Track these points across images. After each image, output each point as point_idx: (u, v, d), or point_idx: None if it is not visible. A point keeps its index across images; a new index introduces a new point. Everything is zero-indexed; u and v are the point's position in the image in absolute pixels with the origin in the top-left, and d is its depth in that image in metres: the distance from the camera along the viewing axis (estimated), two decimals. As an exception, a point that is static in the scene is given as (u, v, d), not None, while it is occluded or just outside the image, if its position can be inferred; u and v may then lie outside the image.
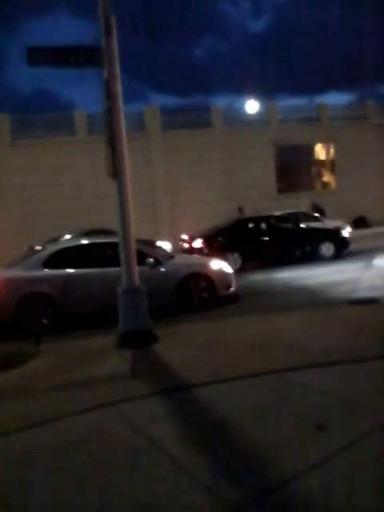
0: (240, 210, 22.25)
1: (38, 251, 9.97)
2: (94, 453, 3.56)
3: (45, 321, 8.52)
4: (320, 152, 30.18)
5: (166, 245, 17.00)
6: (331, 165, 29.83)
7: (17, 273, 8.89)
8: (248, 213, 16.77)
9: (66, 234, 15.50)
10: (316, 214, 19.83)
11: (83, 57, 6.73)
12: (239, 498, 2.84)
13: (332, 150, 29.60)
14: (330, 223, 18.43)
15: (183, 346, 6.25)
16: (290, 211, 18.27)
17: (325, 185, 30.50)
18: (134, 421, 4.04)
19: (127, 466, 3.31)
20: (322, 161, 30.29)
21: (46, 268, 8.85)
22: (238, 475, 3.09)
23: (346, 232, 16.83)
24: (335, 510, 2.69)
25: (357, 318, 6.84)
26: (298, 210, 19.26)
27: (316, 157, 30.17)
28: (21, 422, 4.19)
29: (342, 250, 15.28)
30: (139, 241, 11.95)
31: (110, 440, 3.74)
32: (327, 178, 30.50)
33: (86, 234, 13.80)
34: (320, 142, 29.50)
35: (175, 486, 3.01)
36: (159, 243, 16.51)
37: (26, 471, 3.38)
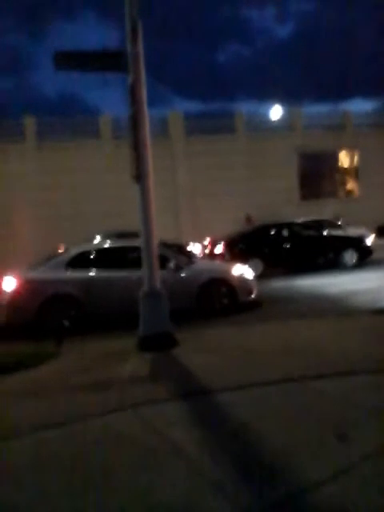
0: (248, 219, 22.05)
1: (61, 253, 10.08)
2: (113, 455, 3.55)
3: (67, 322, 8.60)
4: (344, 159, 29.94)
5: (195, 249, 17.04)
6: (355, 172, 29.56)
7: (40, 274, 8.99)
8: (267, 220, 16.64)
9: (96, 235, 15.65)
10: (339, 222, 19.65)
11: (109, 62, 6.80)
12: (258, 504, 2.81)
13: (356, 158, 29.34)
14: (353, 231, 18.23)
15: (204, 350, 6.23)
16: (312, 218, 18.15)
17: (348, 192, 30.22)
18: (154, 424, 4.03)
19: (146, 469, 3.30)
20: (346, 168, 30.04)
21: (69, 270, 8.94)
22: (257, 481, 3.05)
23: (370, 240, 16.62)
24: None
25: (379, 328, 6.74)
26: (320, 218, 19.11)
27: (340, 164, 29.94)
28: (40, 423, 4.22)
29: (365, 258, 15.09)
30: (167, 244, 12.03)
31: (129, 443, 3.74)
32: (351, 185, 30.22)
33: (117, 236, 13.91)
34: (344, 149, 29.27)
35: (194, 490, 2.99)
36: (189, 248, 16.55)
37: (44, 472, 3.39)
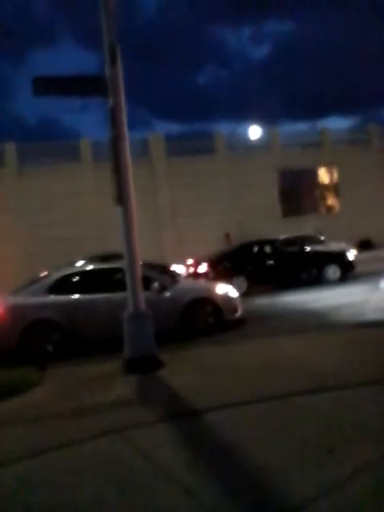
0: (227, 237, 22.19)
1: (42, 277, 9.99)
2: (101, 479, 3.50)
3: (50, 347, 8.49)
4: (323, 176, 30.41)
5: (179, 269, 17.02)
6: (335, 188, 30.02)
7: (22, 299, 8.90)
8: (249, 237, 16.74)
9: (79, 259, 15.53)
10: (321, 238, 19.84)
11: (88, 86, 6.87)
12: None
13: (335, 174, 29.82)
14: (335, 246, 18.42)
15: (190, 371, 6.20)
16: (295, 235, 18.31)
17: (329, 208, 30.62)
18: (142, 447, 3.99)
19: (135, 492, 3.26)
20: (326, 184, 30.50)
21: (51, 294, 8.86)
22: (247, 501, 3.03)
23: (352, 255, 16.81)
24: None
25: (364, 341, 6.79)
26: (302, 234, 19.29)
27: (319, 180, 30.40)
28: (26, 450, 4.15)
29: (348, 273, 15.23)
30: (151, 265, 12.01)
31: (117, 467, 3.69)
32: (331, 201, 30.65)
33: (101, 259, 13.83)
34: (323, 165, 29.75)
35: (183, 513, 2.95)
36: (173, 268, 16.52)
37: (31, 498, 3.33)
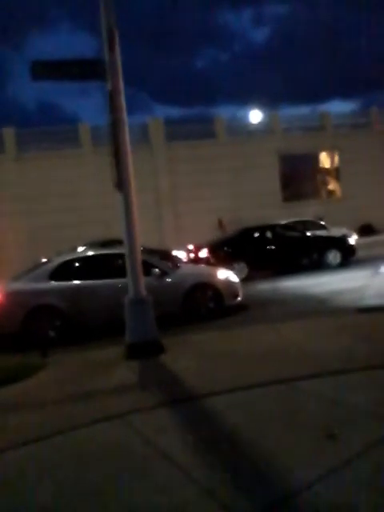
0: (220, 223, 21.97)
1: (44, 263, 9.99)
2: (104, 464, 3.53)
3: (52, 333, 8.52)
4: (324, 160, 30.23)
5: (180, 255, 17.00)
6: (336, 173, 29.84)
7: (23, 285, 8.91)
8: (249, 223, 16.67)
9: (80, 245, 15.53)
10: (322, 222, 19.80)
11: (87, 70, 6.79)
12: (249, 508, 2.81)
13: (336, 158, 29.63)
14: (336, 231, 18.38)
15: (191, 356, 6.23)
16: (295, 219, 18.27)
17: (330, 193, 30.49)
18: (143, 432, 4.01)
19: (137, 477, 3.28)
20: (327, 169, 30.32)
21: (53, 280, 8.87)
22: (249, 486, 3.05)
23: (353, 239, 16.77)
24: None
25: (365, 326, 6.80)
26: (303, 219, 19.25)
27: (321, 165, 30.22)
28: (29, 435, 4.18)
29: (349, 258, 15.23)
30: (151, 251, 12.00)
31: (119, 451, 3.72)
32: (332, 185, 30.50)
33: (102, 245, 13.83)
34: (324, 150, 29.55)
35: (185, 496, 2.98)
36: (173, 253, 16.50)
37: (35, 484, 3.36)
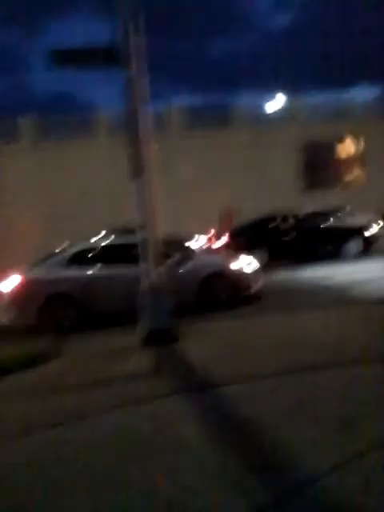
0: (228, 213, 21.37)
1: (59, 252, 10.07)
2: (118, 451, 3.57)
3: (67, 321, 8.61)
4: (349, 147, 29.73)
5: (196, 243, 16.98)
6: (360, 160, 29.35)
7: (40, 273, 9.00)
8: (271, 211, 16.50)
9: (95, 234, 15.56)
10: (346, 210, 19.48)
11: (105, 58, 6.77)
12: (263, 497, 2.81)
13: (361, 145, 29.13)
14: (360, 219, 18.06)
15: (206, 344, 6.24)
16: (318, 208, 18.04)
17: (353, 181, 30.03)
18: (158, 419, 4.05)
19: (151, 465, 3.31)
20: (350, 157, 29.82)
21: (69, 268, 8.94)
22: (262, 475, 3.06)
23: (377, 228, 16.47)
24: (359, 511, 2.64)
25: (381, 318, 6.71)
26: (326, 207, 19.00)
27: (344, 152, 29.73)
28: (44, 421, 4.24)
29: (370, 247, 15.04)
30: (168, 239, 11.99)
31: (133, 438, 3.75)
32: (357, 173, 30.00)
33: (119, 233, 13.85)
34: (348, 137, 29.07)
35: (198, 484, 2.99)
36: (193, 241, 16.48)
37: (50, 470, 3.41)
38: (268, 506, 2.74)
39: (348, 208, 19.89)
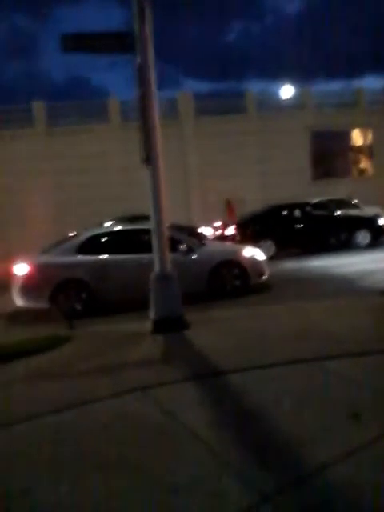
0: (228, 204, 21.14)
1: (71, 238, 10.11)
2: (126, 436, 3.59)
3: (78, 306, 8.66)
4: (357, 138, 29.46)
5: (206, 232, 16.98)
6: (369, 151, 29.09)
7: (51, 259, 9.05)
8: (278, 201, 16.40)
9: (108, 220, 15.62)
10: (354, 201, 19.39)
11: (117, 43, 6.72)
12: (269, 485, 2.83)
13: (370, 136, 28.85)
14: (368, 210, 18.00)
15: (216, 332, 6.25)
16: (326, 198, 17.96)
17: (362, 171, 29.80)
18: (166, 405, 4.06)
19: (157, 450, 3.33)
20: (360, 147, 29.56)
21: (80, 254, 8.98)
22: (269, 462, 3.08)
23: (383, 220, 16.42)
24: (366, 501, 2.65)
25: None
26: (334, 197, 18.90)
27: (353, 142, 29.47)
28: (53, 405, 4.27)
29: (379, 239, 14.96)
30: (178, 227, 12.01)
31: (141, 424, 3.77)
32: (364, 164, 29.77)
33: (130, 220, 13.89)
34: (357, 127, 28.78)
35: (205, 471, 3.01)
36: (201, 230, 16.50)
37: (56, 454, 3.43)
38: (274, 493, 2.76)
39: (355, 200, 19.75)
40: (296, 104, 27.80)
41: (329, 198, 18.33)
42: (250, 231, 14.85)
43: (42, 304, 8.64)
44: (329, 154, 28.28)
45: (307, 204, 16.01)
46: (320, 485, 2.81)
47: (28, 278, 8.67)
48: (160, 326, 6.47)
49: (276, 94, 28.43)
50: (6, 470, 3.30)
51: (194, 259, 9.04)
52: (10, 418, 4.12)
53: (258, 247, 11.00)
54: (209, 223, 18.65)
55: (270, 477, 2.91)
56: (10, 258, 9.60)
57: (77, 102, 25.59)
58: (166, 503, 2.75)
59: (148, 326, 6.59)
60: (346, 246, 14.55)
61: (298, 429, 3.45)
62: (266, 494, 2.74)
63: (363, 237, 14.90)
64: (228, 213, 20.58)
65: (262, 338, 5.75)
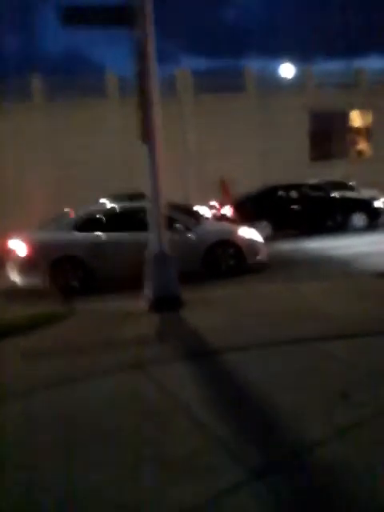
0: (222, 184, 20.96)
1: (68, 215, 10.08)
2: (120, 414, 3.63)
3: (75, 284, 8.67)
4: (356, 119, 29.24)
5: (203, 211, 16.92)
6: (367, 132, 28.92)
7: (48, 236, 9.03)
8: (276, 181, 16.32)
9: (104, 197, 15.51)
10: (351, 183, 19.34)
11: (116, 16, 6.60)
12: (261, 462, 2.88)
13: (369, 117, 28.65)
14: (365, 193, 17.98)
15: (211, 312, 6.29)
16: (324, 179, 17.90)
17: (360, 153, 29.66)
18: (161, 383, 4.10)
19: (152, 427, 3.37)
20: (358, 128, 29.36)
21: (77, 231, 8.95)
22: (262, 440, 3.12)
23: (381, 202, 16.43)
24: (356, 479, 2.71)
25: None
26: (332, 179, 18.84)
27: (352, 124, 29.26)
28: (49, 382, 4.31)
29: (376, 221, 14.98)
30: (175, 206, 11.97)
31: (136, 401, 3.81)
32: (363, 145, 29.61)
33: (127, 198, 13.79)
34: (357, 108, 28.55)
35: (199, 448, 3.06)
36: (196, 209, 16.42)
37: (52, 431, 3.46)
38: (264, 469, 2.81)
39: (352, 182, 19.69)
40: (296, 83, 27.51)
41: (326, 179, 18.27)
42: (246, 211, 14.80)
43: (38, 281, 8.64)
44: (327, 135, 28.10)
45: (304, 185, 15.97)
46: (311, 462, 2.86)
47: (24, 255, 8.66)
48: (156, 305, 6.50)
49: (276, 73, 28.11)
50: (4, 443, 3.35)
51: (190, 238, 9.04)
52: (5, 393, 4.16)
53: (254, 227, 11.01)
54: (205, 202, 18.58)
55: (260, 452, 2.96)
56: (8, 234, 9.56)
57: (74, 77, 25.22)
58: (157, 476, 2.80)
59: (144, 304, 6.61)
60: (342, 228, 14.58)
61: (288, 408, 3.49)
62: (256, 470, 2.79)
63: (359, 219, 14.92)
64: (222, 192, 20.44)
65: (258, 318, 5.79)
